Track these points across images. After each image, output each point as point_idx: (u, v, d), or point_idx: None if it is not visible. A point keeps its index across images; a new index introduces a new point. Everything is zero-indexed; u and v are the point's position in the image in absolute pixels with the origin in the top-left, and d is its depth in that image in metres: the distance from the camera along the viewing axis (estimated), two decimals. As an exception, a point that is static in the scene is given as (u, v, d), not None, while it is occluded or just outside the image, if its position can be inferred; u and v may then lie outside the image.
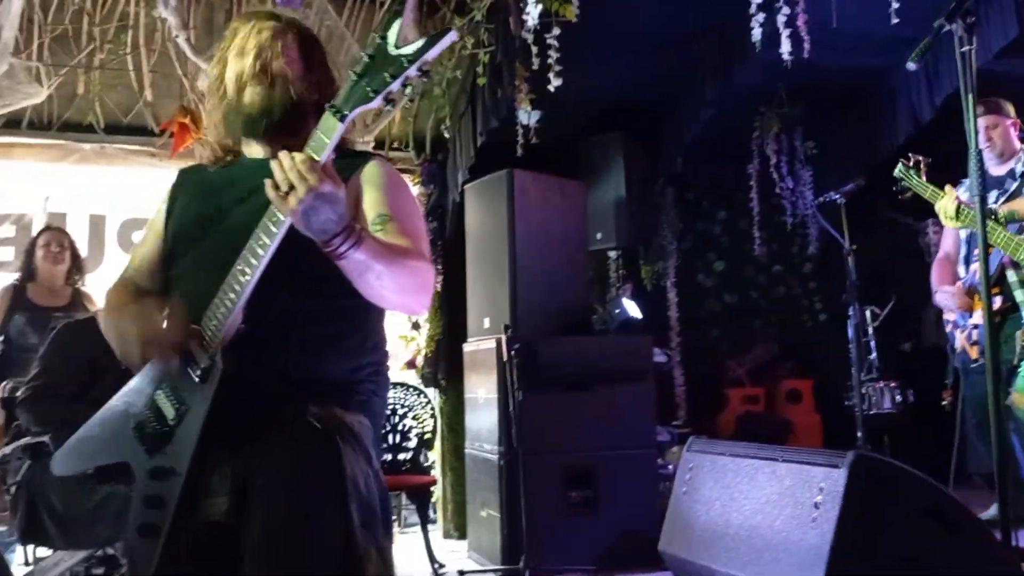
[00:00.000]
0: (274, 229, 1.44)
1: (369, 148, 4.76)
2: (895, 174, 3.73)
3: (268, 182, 1.38)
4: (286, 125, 1.64)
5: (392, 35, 1.35)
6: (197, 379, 1.53)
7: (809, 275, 6.37)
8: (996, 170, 3.68)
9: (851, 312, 4.24)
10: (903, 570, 1.83)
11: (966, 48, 2.18)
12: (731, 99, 4.80)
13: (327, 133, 1.38)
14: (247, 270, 1.47)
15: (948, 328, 3.78)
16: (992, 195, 3.52)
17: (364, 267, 1.44)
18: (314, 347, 1.59)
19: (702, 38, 4.61)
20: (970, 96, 2.18)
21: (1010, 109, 3.71)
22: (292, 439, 1.50)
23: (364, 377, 1.66)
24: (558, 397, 4.06)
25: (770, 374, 6.16)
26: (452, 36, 1.34)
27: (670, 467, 4.54)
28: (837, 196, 4.28)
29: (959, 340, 3.70)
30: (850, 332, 4.30)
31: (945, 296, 3.69)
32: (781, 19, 3.85)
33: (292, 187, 1.36)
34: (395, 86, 1.35)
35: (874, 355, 5.09)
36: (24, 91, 4.10)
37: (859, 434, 4.23)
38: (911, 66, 2.35)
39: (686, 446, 2.54)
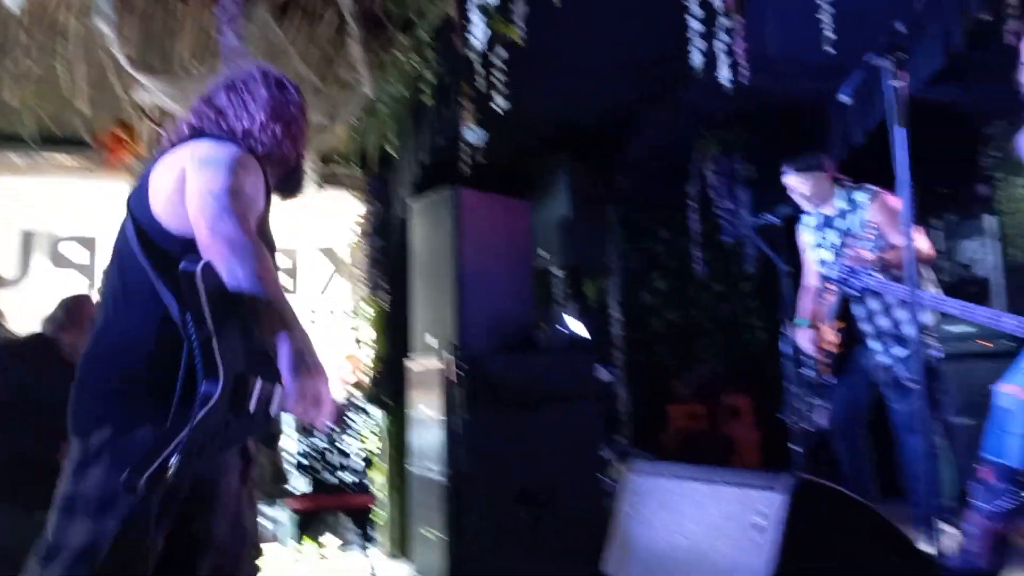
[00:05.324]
0: None
1: (313, 164, 4.73)
2: None
3: None
4: None
5: None
6: None
7: (748, 294, 6.50)
8: (825, 211, 4.10)
9: (783, 329, 4.35)
10: (842, 591, 1.89)
11: (895, 83, 2.27)
12: (674, 122, 4.90)
13: None
14: None
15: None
16: (829, 232, 3.98)
17: None
18: None
19: (647, 62, 4.69)
20: (899, 128, 2.27)
21: (822, 161, 4.11)
22: None
23: None
24: (503, 416, 4.06)
25: (712, 391, 6.26)
26: None
27: (614, 484, 4.58)
28: (774, 218, 4.40)
29: (812, 346, 4.06)
30: (785, 349, 4.41)
31: (796, 333, 4.13)
32: (721, 46, 3.95)
33: None
34: None
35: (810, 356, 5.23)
36: (-49, 102, 3.96)
37: (795, 450, 4.33)
38: (844, 98, 2.44)
39: (630, 468, 2.57)
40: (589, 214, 5.46)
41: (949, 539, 3.01)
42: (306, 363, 1.57)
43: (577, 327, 4.65)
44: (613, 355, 6.00)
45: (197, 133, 1.90)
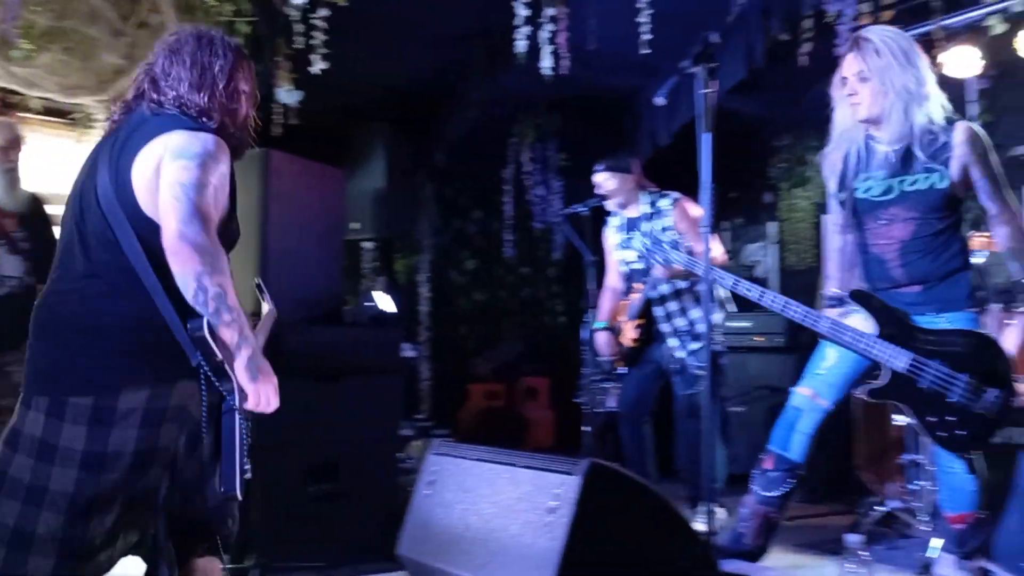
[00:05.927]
0: None
1: (108, 108, 4.33)
2: None
3: None
4: None
5: None
6: None
7: (553, 279, 6.71)
8: (629, 213, 4.16)
9: (587, 317, 4.52)
10: (625, 570, 1.98)
11: (706, 90, 2.40)
12: (495, 103, 4.93)
13: None
14: None
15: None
16: (634, 234, 4.04)
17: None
18: None
19: (472, 39, 4.68)
20: (706, 134, 2.40)
21: (631, 164, 4.14)
22: None
23: None
24: (303, 388, 3.91)
25: (512, 371, 6.41)
26: None
27: (412, 462, 4.58)
28: (583, 208, 4.53)
29: (608, 348, 4.18)
30: (584, 335, 4.58)
31: (595, 335, 4.21)
32: (544, 34, 4.01)
33: None
34: None
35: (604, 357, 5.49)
36: None
37: (586, 431, 4.54)
38: (659, 101, 2.54)
39: (430, 449, 2.56)
40: (404, 187, 5.40)
41: (719, 519, 3.27)
42: (260, 369, 1.83)
43: (384, 302, 4.58)
44: (419, 332, 5.99)
45: (136, 104, 1.95)
